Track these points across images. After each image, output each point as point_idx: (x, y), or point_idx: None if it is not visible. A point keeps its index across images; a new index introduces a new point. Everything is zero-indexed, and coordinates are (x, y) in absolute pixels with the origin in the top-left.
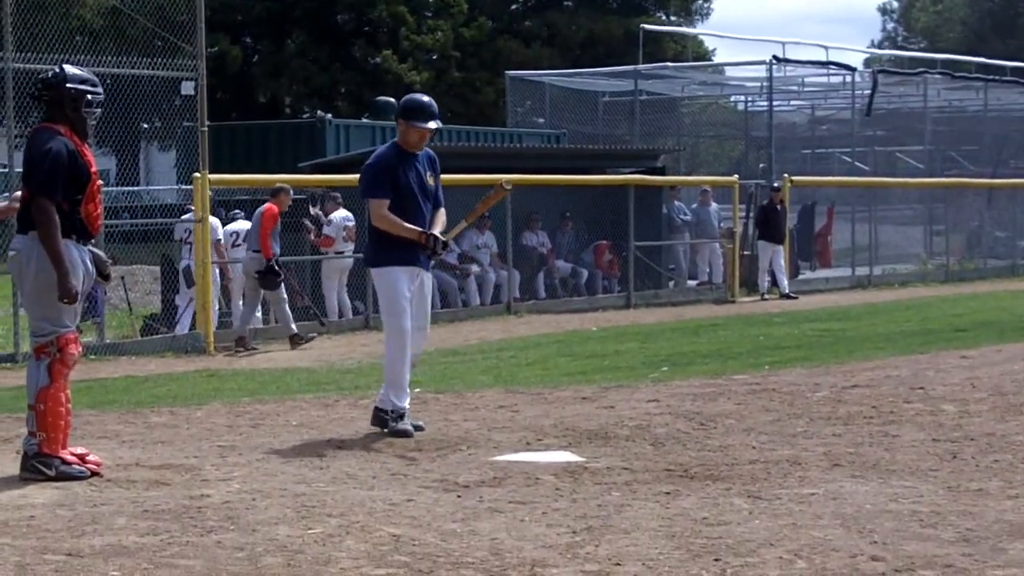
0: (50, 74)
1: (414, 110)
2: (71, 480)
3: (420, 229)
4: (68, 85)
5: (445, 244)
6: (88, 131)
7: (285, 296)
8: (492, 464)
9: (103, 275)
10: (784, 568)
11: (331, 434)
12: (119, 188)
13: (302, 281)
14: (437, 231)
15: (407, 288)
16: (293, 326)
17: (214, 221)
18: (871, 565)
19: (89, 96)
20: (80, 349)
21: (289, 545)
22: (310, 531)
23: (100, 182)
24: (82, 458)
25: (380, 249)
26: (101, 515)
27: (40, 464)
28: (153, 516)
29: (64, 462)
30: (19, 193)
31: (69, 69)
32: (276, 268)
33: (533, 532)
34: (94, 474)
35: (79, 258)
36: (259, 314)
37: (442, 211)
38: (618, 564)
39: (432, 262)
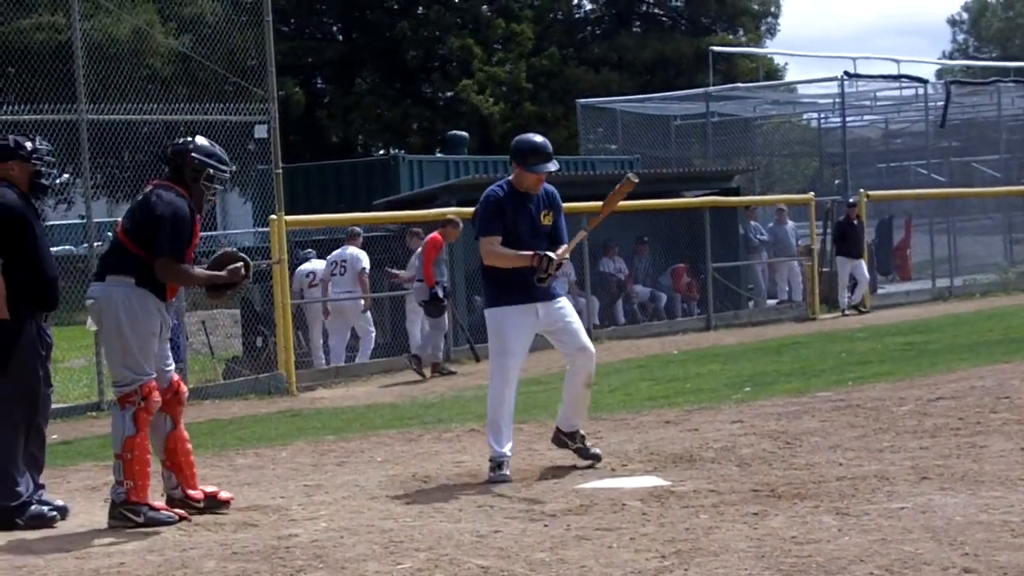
0: (180, 140)
1: (527, 153)
2: (160, 526)
3: (529, 252)
4: (193, 154)
5: (558, 264)
6: (203, 205)
7: (446, 326)
8: (578, 491)
9: (245, 273)
10: None
11: (416, 468)
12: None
13: (380, 316)
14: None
15: (519, 327)
16: (440, 355)
17: (362, 253)
18: None
19: (211, 171)
20: (160, 400)
21: None
22: (399, 566)
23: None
24: (214, 496)
25: (492, 289)
26: (191, 559)
27: (128, 512)
28: (242, 558)
29: (152, 508)
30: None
31: (200, 140)
32: (440, 296)
33: (622, 558)
34: (182, 518)
35: (155, 308)
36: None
37: (564, 247)
38: None
39: (566, 288)
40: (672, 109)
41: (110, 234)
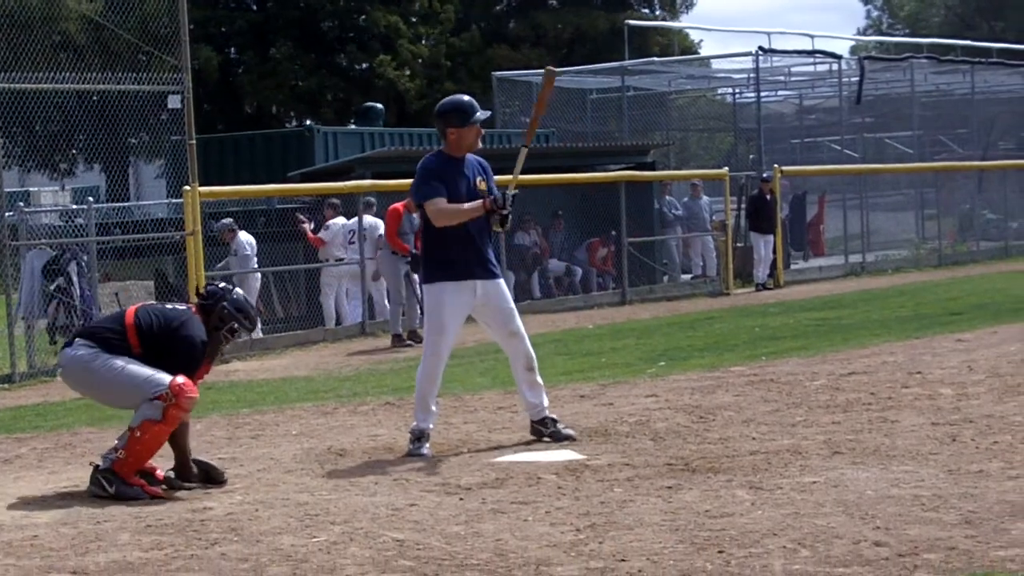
0: (220, 285)
1: (465, 108)
2: (128, 499)
3: (478, 202)
4: (224, 303)
5: (513, 198)
6: (217, 353)
7: (403, 299)
8: (493, 465)
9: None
10: (788, 557)
11: (331, 442)
12: (110, 204)
13: (296, 288)
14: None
15: (456, 305)
16: (398, 328)
17: (378, 221)
18: (874, 551)
19: (236, 325)
20: (197, 394)
21: (294, 554)
22: (314, 539)
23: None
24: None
25: (432, 265)
26: (104, 532)
27: (104, 479)
28: (156, 531)
29: (125, 483)
30: None
31: (238, 293)
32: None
33: (537, 531)
34: (155, 496)
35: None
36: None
37: (510, 178)
38: (623, 560)
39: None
40: (588, 83)
41: (22, 204)
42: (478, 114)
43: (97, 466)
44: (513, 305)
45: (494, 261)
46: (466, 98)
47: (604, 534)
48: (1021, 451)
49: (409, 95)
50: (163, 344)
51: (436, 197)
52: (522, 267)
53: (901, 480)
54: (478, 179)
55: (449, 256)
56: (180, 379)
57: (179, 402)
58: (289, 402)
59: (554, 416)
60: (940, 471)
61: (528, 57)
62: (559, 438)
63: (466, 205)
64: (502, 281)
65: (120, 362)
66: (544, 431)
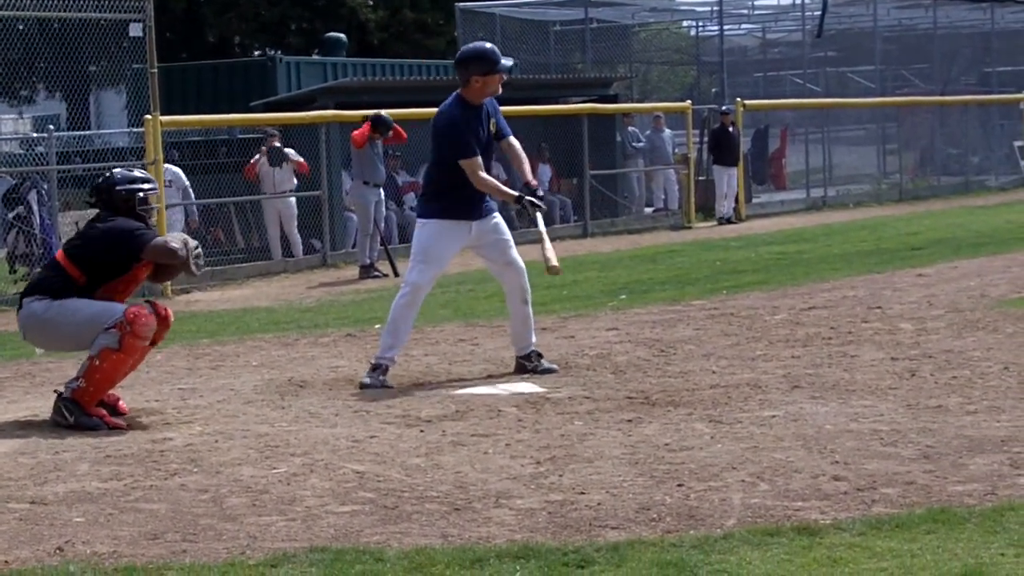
0: (100, 180)
1: (489, 59)
2: (87, 430)
3: (515, 193)
4: (118, 188)
5: (540, 199)
6: (149, 227)
7: (371, 231)
8: (454, 398)
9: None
10: (747, 491)
11: (292, 373)
12: (70, 133)
13: (257, 219)
14: (527, 169)
15: (447, 242)
16: (367, 259)
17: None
18: (833, 485)
19: (141, 194)
20: (154, 321)
21: (253, 486)
22: (274, 471)
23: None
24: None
25: (429, 202)
26: (63, 462)
27: (65, 408)
28: (116, 461)
29: (85, 413)
30: None
31: (117, 172)
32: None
33: (497, 464)
34: (115, 427)
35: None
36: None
37: (514, 140)
38: (582, 493)
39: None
40: (551, 14)
41: None
42: (503, 62)
43: (60, 393)
44: (510, 237)
45: (490, 200)
46: (488, 45)
47: (564, 467)
48: (979, 386)
49: (371, 25)
50: (99, 251)
51: (475, 157)
52: None
53: (860, 415)
54: (491, 122)
55: (448, 195)
56: (134, 307)
57: (135, 329)
58: (250, 333)
59: (539, 351)
60: (899, 406)
61: None
62: (538, 371)
63: (503, 187)
64: (497, 214)
65: (73, 304)
66: (528, 366)
